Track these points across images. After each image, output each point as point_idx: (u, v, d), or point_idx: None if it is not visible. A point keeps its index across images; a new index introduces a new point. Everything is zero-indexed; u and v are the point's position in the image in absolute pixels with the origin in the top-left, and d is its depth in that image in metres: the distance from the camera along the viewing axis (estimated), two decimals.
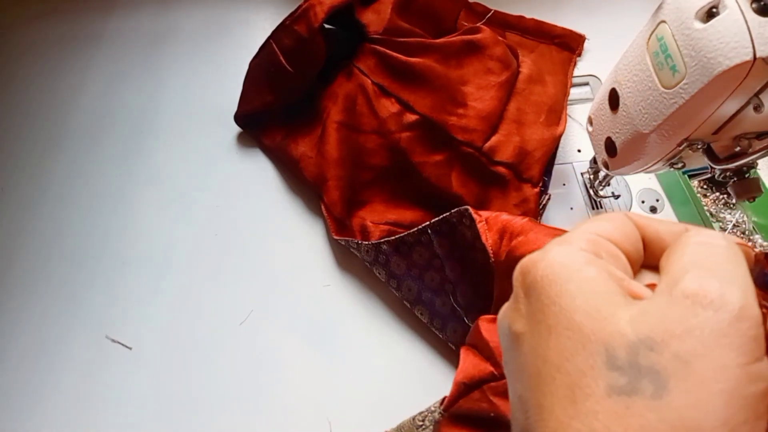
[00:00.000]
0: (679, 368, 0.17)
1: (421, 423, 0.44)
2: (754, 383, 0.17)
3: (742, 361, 0.17)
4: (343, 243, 0.60)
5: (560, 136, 0.64)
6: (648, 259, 0.23)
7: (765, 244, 0.61)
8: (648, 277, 0.22)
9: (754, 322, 0.17)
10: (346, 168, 0.62)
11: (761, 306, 0.19)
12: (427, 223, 0.55)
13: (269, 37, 0.65)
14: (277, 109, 0.67)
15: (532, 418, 0.19)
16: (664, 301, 0.18)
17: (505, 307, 0.23)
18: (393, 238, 0.57)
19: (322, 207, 0.63)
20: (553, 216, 0.64)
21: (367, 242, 0.58)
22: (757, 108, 0.37)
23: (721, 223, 0.62)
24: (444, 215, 0.54)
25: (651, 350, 0.17)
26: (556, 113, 0.66)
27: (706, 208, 0.63)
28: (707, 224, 0.58)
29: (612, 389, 0.17)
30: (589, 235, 0.22)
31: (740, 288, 0.18)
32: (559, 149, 0.66)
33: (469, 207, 0.53)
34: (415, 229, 0.56)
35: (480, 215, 0.52)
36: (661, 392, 0.17)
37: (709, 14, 0.36)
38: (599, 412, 0.17)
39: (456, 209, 0.53)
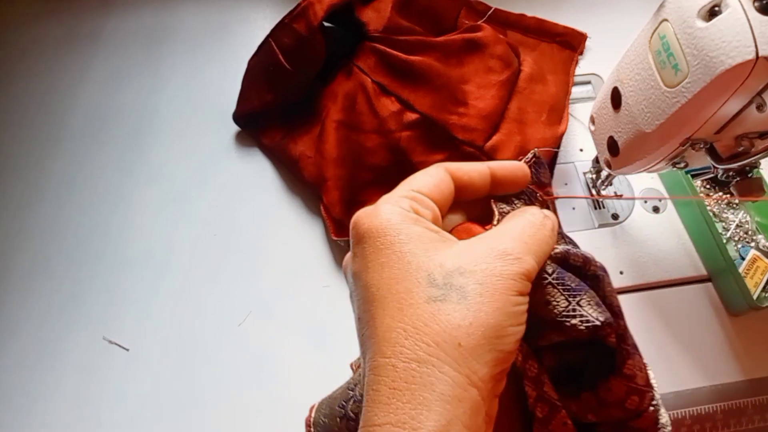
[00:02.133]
0: (478, 288, 0.24)
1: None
2: (518, 306, 0.25)
3: (515, 292, 0.25)
4: (342, 244, 0.60)
5: (562, 135, 0.64)
6: (459, 195, 0.30)
7: None
8: (454, 219, 0.31)
9: (530, 278, 0.26)
10: (346, 167, 0.62)
11: (537, 195, 0.32)
12: None
13: (268, 36, 0.64)
14: (276, 108, 0.67)
15: (368, 330, 0.25)
16: (482, 248, 0.26)
17: (347, 256, 0.29)
18: None
19: (322, 208, 0.62)
20: None
21: None
22: (760, 107, 0.37)
23: (724, 223, 0.62)
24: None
25: (461, 275, 0.25)
26: (557, 112, 0.66)
27: (708, 208, 0.62)
28: (710, 225, 0.58)
29: (429, 298, 0.24)
30: (410, 192, 0.28)
31: (535, 259, 0.27)
32: (561, 149, 0.66)
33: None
34: None
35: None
36: (462, 300, 0.24)
37: (712, 13, 0.36)
38: (419, 314, 0.24)
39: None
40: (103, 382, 0.56)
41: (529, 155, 0.32)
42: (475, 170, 0.30)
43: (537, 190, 0.32)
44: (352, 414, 0.34)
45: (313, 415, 0.37)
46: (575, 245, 0.33)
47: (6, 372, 0.56)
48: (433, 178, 0.29)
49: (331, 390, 0.38)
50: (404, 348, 0.24)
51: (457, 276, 0.25)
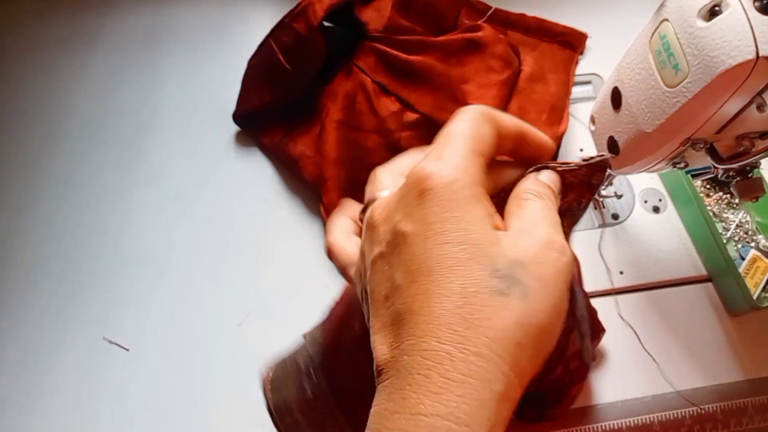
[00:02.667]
0: (537, 284, 0.24)
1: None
2: (566, 301, 0.25)
3: (565, 285, 0.25)
4: None
5: (562, 135, 0.64)
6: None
7: None
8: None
9: (572, 262, 0.26)
10: (345, 168, 0.62)
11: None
12: None
13: (268, 36, 0.64)
14: (276, 108, 0.67)
15: (416, 304, 0.24)
16: (529, 238, 0.26)
17: (389, 203, 0.28)
18: None
19: (321, 208, 0.62)
20: None
21: None
22: (761, 107, 0.37)
23: (724, 224, 0.62)
24: None
25: (522, 268, 0.24)
26: (558, 112, 0.66)
27: (709, 208, 0.62)
28: (710, 225, 0.58)
29: (494, 290, 0.24)
30: (477, 157, 0.27)
31: (566, 240, 0.27)
32: (561, 148, 0.66)
33: None
34: None
35: None
36: (525, 297, 0.24)
37: (712, 13, 0.36)
38: (483, 306, 0.23)
39: None
40: (103, 382, 0.56)
41: (596, 156, 0.31)
42: (512, 126, 0.29)
43: (583, 192, 0.31)
44: (303, 367, 0.39)
45: (270, 374, 0.41)
46: None
47: (6, 372, 0.56)
48: (491, 134, 0.28)
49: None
50: (464, 338, 0.23)
51: (518, 268, 0.24)
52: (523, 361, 0.23)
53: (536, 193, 0.28)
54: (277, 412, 0.39)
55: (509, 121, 0.29)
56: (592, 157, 0.30)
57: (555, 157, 0.64)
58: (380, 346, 0.25)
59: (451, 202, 0.25)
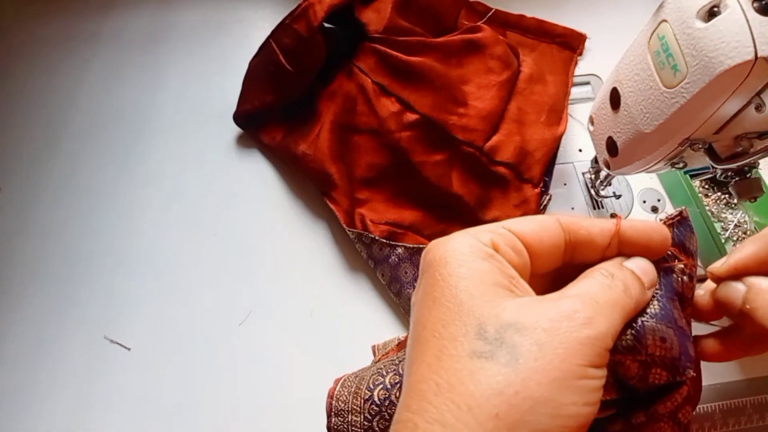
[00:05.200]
0: (534, 351, 0.20)
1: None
2: (585, 380, 0.20)
3: (581, 363, 0.20)
4: (353, 236, 0.60)
5: (561, 135, 0.64)
6: (579, 257, 0.26)
7: None
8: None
9: (604, 346, 0.21)
10: (346, 166, 0.62)
11: (674, 258, 0.26)
12: None
13: (269, 37, 0.64)
14: (276, 108, 0.67)
15: (407, 372, 0.23)
16: (547, 305, 0.22)
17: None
18: (412, 246, 0.58)
19: (329, 201, 0.62)
20: None
21: (384, 239, 0.58)
22: (759, 108, 0.37)
23: (722, 223, 0.62)
24: None
25: (517, 332, 0.21)
26: (557, 113, 0.66)
27: (707, 208, 0.63)
28: (709, 225, 0.58)
29: (474, 353, 0.21)
30: (499, 229, 0.25)
31: (608, 322, 0.22)
32: (560, 149, 0.66)
33: None
34: None
35: None
36: (512, 362, 0.20)
37: (711, 13, 0.36)
38: (458, 370, 0.20)
39: None
40: (102, 382, 0.56)
41: (674, 212, 0.28)
42: (596, 226, 0.26)
43: (678, 254, 0.27)
44: (377, 400, 0.34)
45: (337, 388, 0.37)
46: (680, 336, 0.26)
47: (5, 373, 0.56)
48: (536, 224, 0.25)
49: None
50: (431, 405, 0.20)
51: (512, 332, 0.21)
52: None
53: (607, 273, 0.25)
54: None
55: (589, 220, 0.26)
56: (670, 216, 0.28)
57: (555, 156, 0.64)
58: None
59: (443, 263, 0.23)
